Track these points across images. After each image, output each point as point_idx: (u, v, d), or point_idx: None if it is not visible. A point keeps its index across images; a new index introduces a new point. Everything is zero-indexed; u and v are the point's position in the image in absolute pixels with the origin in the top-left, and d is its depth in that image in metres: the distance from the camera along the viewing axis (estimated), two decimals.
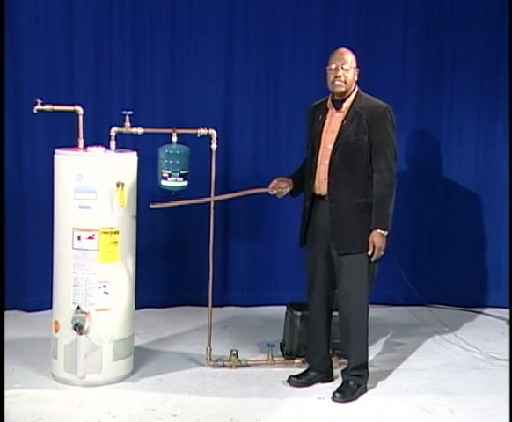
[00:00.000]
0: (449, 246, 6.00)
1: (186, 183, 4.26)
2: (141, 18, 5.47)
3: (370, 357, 4.32)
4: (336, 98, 4.08)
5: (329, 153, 4.03)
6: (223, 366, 4.47)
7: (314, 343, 4.30)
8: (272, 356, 4.53)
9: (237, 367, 4.47)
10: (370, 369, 4.23)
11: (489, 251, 6.00)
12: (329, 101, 4.13)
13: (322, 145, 4.08)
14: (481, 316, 5.79)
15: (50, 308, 4.30)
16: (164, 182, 4.23)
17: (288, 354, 4.64)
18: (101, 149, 4.13)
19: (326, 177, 4.03)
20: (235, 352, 4.50)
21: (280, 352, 4.71)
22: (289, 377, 4.28)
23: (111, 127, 4.26)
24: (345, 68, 4.00)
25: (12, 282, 5.22)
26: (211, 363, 4.48)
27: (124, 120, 4.28)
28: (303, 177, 4.21)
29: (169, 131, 4.30)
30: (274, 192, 4.29)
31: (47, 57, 5.33)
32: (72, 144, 4.27)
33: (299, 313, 4.61)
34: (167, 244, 5.74)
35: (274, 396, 4.11)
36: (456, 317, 5.68)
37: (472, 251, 6.01)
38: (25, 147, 5.36)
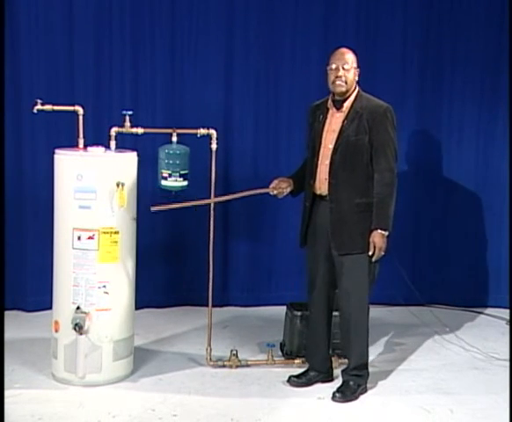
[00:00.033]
0: (449, 246, 6.00)
1: (186, 183, 4.26)
2: (141, 18, 5.47)
3: (371, 357, 4.32)
4: (337, 98, 4.08)
5: (330, 153, 4.03)
6: (223, 366, 4.47)
7: (314, 343, 4.30)
8: (272, 356, 4.53)
9: (237, 367, 4.47)
10: (370, 369, 4.23)
11: (489, 251, 6.00)
12: (329, 101, 4.13)
13: (323, 145, 4.08)
14: (481, 316, 5.79)
15: (50, 308, 4.30)
16: (164, 182, 4.23)
17: (288, 354, 4.64)
18: (101, 149, 4.13)
19: (327, 177, 4.03)
20: (235, 352, 4.50)
21: (280, 352, 4.71)
22: (289, 377, 4.28)
23: (111, 127, 4.26)
24: (345, 68, 4.00)
25: (12, 282, 5.21)
26: (211, 363, 4.48)
27: (124, 120, 4.28)
28: (304, 177, 4.21)
29: (169, 131, 4.30)
30: (275, 192, 4.29)
31: (47, 57, 5.33)
32: (72, 144, 4.27)
33: (299, 313, 4.61)
34: (167, 244, 5.74)
35: (274, 396, 4.11)
36: (456, 317, 5.68)
37: (472, 251, 6.02)
38: (25, 147, 5.36)
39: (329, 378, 4.30)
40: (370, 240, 3.97)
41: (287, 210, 5.38)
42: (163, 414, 3.82)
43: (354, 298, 4.06)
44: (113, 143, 4.23)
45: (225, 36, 5.63)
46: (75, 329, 4.00)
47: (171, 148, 4.24)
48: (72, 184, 4.02)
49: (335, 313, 4.27)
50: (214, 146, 4.40)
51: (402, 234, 5.35)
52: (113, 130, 4.25)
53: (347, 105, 4.05)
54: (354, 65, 4.05)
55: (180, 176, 4.22)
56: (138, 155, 4.25)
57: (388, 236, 3.99)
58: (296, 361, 4.53)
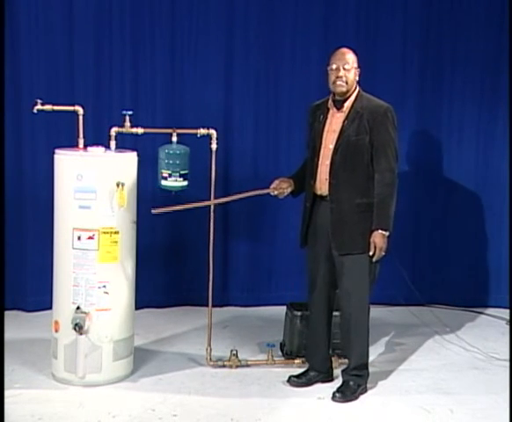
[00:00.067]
0: (449, 246, 6.00)
1: (186, 183, 4.26)
2: (141, 18, 5.47)
3: (371, 357, 4.32)
4: (337, 98, 4.08)
5: (330, 153, 4.03)
6: (223, 366, 4.47)
7: (314, 343, 4.30)
8: (272, 356, 4.53)
9: (237, 367, 4.47)
10: (371, 369, 4.23)
11: (489, 251, 6.00)
12: (330, 101, 4.12)
13: (323, 145, 4.08)
14: (481, 316, 5.79)
15: (50, 308, 4.30)
16: (164, 182, 4.23)
17: (288, 354, 4.64)
18: (101, 149, 4.13)
19: (327, 177, 4.03)
20: (235, 352, 4.50)
21: (280, 352, 4.71)
22: (289, 377, 4.28)
23: (111, 127, 4.26)
24: (346, 68, 4.00)
25: (12, 282, 5.21)
26: (211, 363, 4.48)
27: (124, 120, 4.28)
28: (304, 177, 4.20)
29: (169, 131, 4.30)
30: (276, 192, 4.29)
31: (47, 57, 5.33)
32: (72, 144, 4.27)
33: (299, 313, 4.61)
34: (167, 244, 5.74)
35: (274, 396, 4.11)
36: (456, 317, 5.68)
37: (473, 251, 6.02)
38: (25, 147, 5.36)
39: (329, 378, 4.29)
40: (371, 240, 3.97)
41: (287, 210, 5.38)
42: (163, 414, 3.82)
43: (355, 298, 4.06)
44: (113, 143, 4.23)
45: (225, 36, 5.63)
46: (75, 329, 4.00)
47: (171, 148, 4.24)
48: (72, 184, 4.02)
49: (335, 313, 4.27)
50: (214, 146, 4.40)
51: (402, 234, 5.35)
52: (113, 130, 4.25)
53: (347, 105, 4.05)
54: (355, 65, 4.05)
55: (180, 176, 4.22)
56: (138, 155, 4.25)
57: (388, 237, 3.99)
58: (296, 361, 4.52)
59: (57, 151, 4.15)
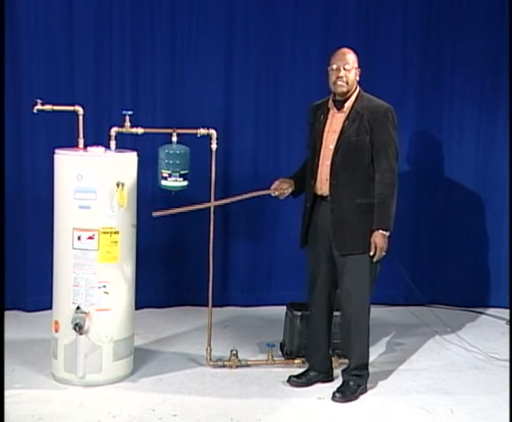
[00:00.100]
0: (449, 246, 6.00)
1: (186, 183, 4.26)
2: (141, 18, 5.46)
3: (371, 357, 4.32)
4: (337, 98, 4.07)
5: (331, 153, 4.02)
6: (223, 366, 4.47)
7: (314, 343, 4.30)
8: (272, 356, 4.53)
9: (237, 367, 4.47)
10: (371, 369, 4.23)
11: (490, 251, 6.00)
12: (330, 101, 4.12)
13: (323, 145, 4.08)
14: (482, 316, 5.79)
15: (50, 308, 4.30)
16: (164, 182, 4.23)
17: (288, 354, 4.64)
18: (101, 149, 4.13)
19: (328, 177, 4.03)
20: (235, 352, 4.50)
21: (280, 352, 4.71)
22: (289, 377, 4.28)
23: (111, 127, 4.26)
24: (347, 68, 4.00)
25: (12, 282, 5.21)
26: (211, 363, 4.48)
27: (124, 120, 4.28)
28: (304, 177, 4.20)
29: (169, 131, 4.30)
30: (276, 193, 4.28)
31: (47, 57, 5.33)
32: (72, 144, 4.27)
33: (299, 313, 4.61)
34: (167, 244, 5.74)
35: (274, 396, 4.11)
36: (456, 317, 5.67)
37: (473, 251, 6.02)
38: (25, 147, 5.36)
39: (329, 378, 4.29)
40: (372, 240, 3.96)
41: (287, 210, 5.38)
42: (163, 414, 3.82)
43: (356, 298, 4.06)
44: (113, 143, 4.23)
45: (225, 36, 5.63)
46: (75, 329, 4.00)
47: (171, 148, 4.24)
48: (72, 184, 4.02)
49: (336, 313, 4.27)
50: (214, 146, 4.40)
51: (403, 234, 5.35)
52: (113, 130, 4.25)
53: (347, 105, 4.05)
54: (355, 65, 4.05)
55: (180, 176, 4.22)
56: (138, 155, 4.25)
57: (389, 237, 3.99)
58: (296, 361, 4.52)
59: (57, 151, 4.15)
